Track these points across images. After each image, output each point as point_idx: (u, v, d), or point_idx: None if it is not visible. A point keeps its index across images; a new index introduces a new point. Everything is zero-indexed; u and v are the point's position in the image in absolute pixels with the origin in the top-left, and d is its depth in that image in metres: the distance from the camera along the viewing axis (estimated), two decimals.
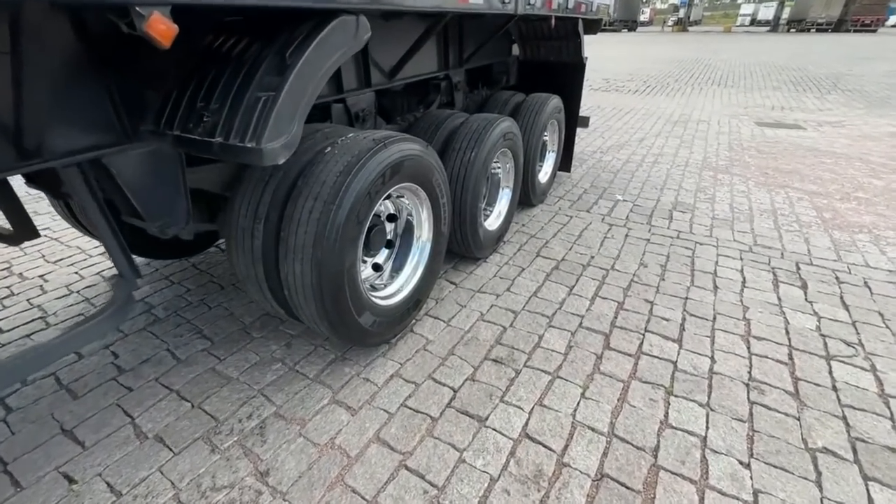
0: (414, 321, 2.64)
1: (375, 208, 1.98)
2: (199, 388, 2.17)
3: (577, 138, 6.73)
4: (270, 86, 1.43)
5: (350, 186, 1.76)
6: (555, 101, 4.08)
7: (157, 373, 2.28)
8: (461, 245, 3.06)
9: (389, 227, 2.43)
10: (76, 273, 3.22)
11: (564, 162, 4.97)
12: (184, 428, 1.96)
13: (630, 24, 48.05)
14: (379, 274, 2.46)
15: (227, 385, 2.19)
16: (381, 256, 2.50)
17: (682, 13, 51.48)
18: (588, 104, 9.61)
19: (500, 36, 3.68)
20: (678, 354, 2.38)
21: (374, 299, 2.20)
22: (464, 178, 2.77)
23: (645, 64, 17.57)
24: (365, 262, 2.36)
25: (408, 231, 2.53)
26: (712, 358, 2.35)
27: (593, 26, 5.17)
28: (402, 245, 2.55)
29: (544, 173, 4.46)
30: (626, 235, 3.78)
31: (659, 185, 4.94)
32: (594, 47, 25.18)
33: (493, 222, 3.40)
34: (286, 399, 2.10)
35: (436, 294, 2.93)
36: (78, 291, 2.98)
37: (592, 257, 3.42)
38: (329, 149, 1.86)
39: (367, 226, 1.99)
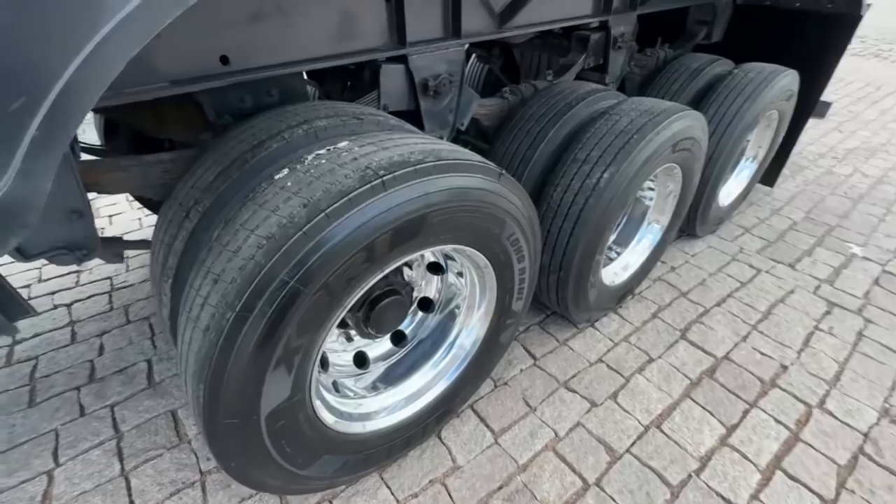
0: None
1: (351, 300, 1.03)
2: None
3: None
4: None
5: (273, 269, 0.84)
6: (785, 81, 2.44)
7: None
8: (557, 304, 1.97)
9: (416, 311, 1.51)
10: None
11: (769, 171, 3.24)
12: None
13: None
14: (360, 375, 1.51)
15: None
16: (379, 349, 1.57)
17: None
18: None
19: None
20: None
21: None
22: (580, 212, 1.62)
23: None
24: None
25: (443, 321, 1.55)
26: None
27: None
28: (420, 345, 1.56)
29: (729, 192, 2.89)
30: (860, 334, 2.19)
31: None
32: None
33: (617, 273, 2.17)
34: None
35: (496, 370, 1.95)
36: None
37: (785, 368, 2.00)
38: (280, 176, 0.93)
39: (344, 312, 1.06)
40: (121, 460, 1.61)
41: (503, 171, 1.15)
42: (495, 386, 1.89)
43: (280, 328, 0.84)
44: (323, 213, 0.81)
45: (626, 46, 2.43)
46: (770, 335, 2.17)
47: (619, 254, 2.23)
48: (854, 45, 8.80)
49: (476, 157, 1.09)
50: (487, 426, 1.72)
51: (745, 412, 1.79)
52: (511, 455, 1.62)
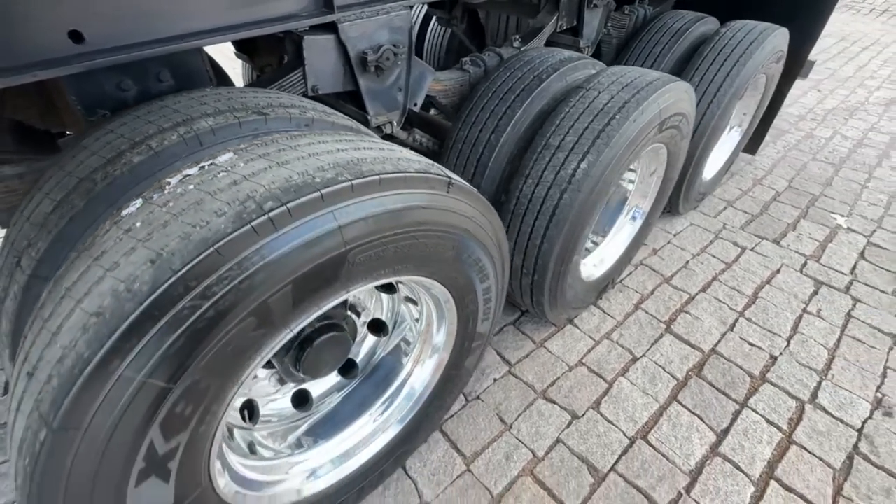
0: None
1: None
2: None
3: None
4: None
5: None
6: (776, 41, 2.21)
7: None
8: (532, 307, 1.77)
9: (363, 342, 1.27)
10: None
11: (752, 138, 3.07)
12: None
13: None
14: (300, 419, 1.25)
15: None
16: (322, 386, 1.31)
17: None
18: None
19: None
20: None
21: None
22: (554, 209, 1.38)
23: None
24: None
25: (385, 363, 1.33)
26: None
27: None
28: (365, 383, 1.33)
29: (713, 165, 2.70)
30: (849, 315, 2.08)
31: None
32: None
33: (596, 266, 1.97)
34: None
35: (469, 383, 1.75)
36: None
37: (774, 359, 1.88)
38: (128, 211, 0.66)
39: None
40: None
41: (453, 179, 0.89)
42: (467, 401, 1.70)
43: (126, 437, 0.58)
44: (175, 276, 0.55)
45: (602, 4, 2.14)
46: (758, 322, 2.03)
47: (596, 244, 2.02)
48: None
49: (416, 164, 0.82)
50: (458, 451, 1.54)
51: (736, 414, 1.66)
52: (484, 484, 1.45)
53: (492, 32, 2.98)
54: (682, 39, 2.24)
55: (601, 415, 1.65)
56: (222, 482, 0.88)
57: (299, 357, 1.00)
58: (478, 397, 1.71)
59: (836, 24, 6.88)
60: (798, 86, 4.66)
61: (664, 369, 1.82)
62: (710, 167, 2.66)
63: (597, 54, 2.55)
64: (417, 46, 3.39)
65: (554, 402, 1.69)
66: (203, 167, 0.67)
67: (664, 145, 1.70)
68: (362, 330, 1.28)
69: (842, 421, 1.65)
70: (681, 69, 2.19)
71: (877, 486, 1.46)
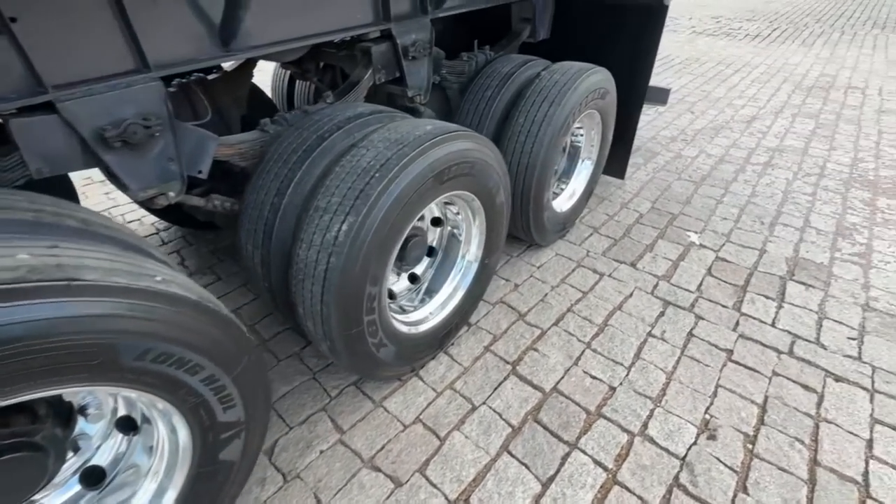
0: None
1: None
2: None
3: (655, 115, 4.78)
4: None
5: None
6: (593, 79, 2.33)
7: None
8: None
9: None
10: None
11: (616, 164, 3.21)
12: None
13: None
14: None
15: None
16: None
17: None
18: (681, 56, 7.15)
19: None
20: None
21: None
22: (325, 272, 1.32)
23: None
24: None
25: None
26: None
27: None
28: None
29: (568, 196, 2.78)
30: (690, 334, 2.13)
31: (769, 213, 3.03)
32: None
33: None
34: None
35: (289, 458, 1.62)
36: None
37: (613, 390, 1.87)
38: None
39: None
40: None
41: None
42: (285, 481, 1.56)
43: None
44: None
45: (425, 55, 2.19)
46: (603, 352, 2.04)
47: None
48: (709, 25, 9.56)
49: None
50: None
51: (565, 457, 1.62)
52: None
53: (327, 86, 3.01)
54: (509, 83, 2.33)
55: (426, 478, 1.56)
56: None
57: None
58: (298, 475, 1.58)
59: (715, 49, 7.59)
60: (674, 109, 5.04)
61: (501, 416, 1.77)
62: (564, 199, 2.74)
63: (444, 98, 2.62)
64: (289, 99, 3.39)
65: (379, 470, 1.59)
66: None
67: (468, 191, 1.70)
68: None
69: (667, 451, 1.64)
70: (509, 112, 2.27)
71: None
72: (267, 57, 1.94)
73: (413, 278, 2.02)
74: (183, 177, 1.50)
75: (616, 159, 3.17)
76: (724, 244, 2.75)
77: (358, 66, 2.06)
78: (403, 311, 1.89)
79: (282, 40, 1.59)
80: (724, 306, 2.29)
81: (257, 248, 1.54)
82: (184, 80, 2.21)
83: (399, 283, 2.00)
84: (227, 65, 2.31)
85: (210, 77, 2.30)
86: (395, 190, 1.34)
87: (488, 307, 2.30)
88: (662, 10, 2.65)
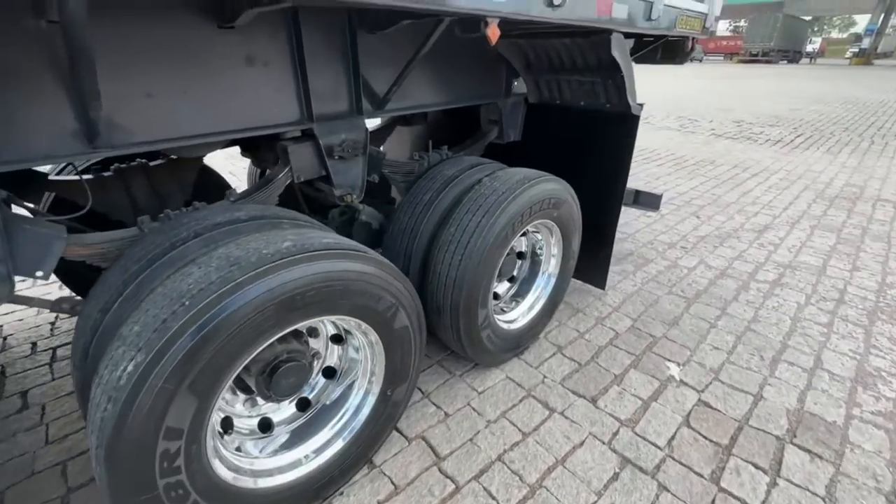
0: None
1: None
2: None
3: (657, 217, 4.51)
4: None
5: None
6: (540, 189, 2.10)
7: None
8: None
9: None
10: None
11: (595, 273, 2.88)
12: None
13: (792, 54, 40.28)
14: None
15: None
16: None
17: (865, 43, 41.42)
18: (696, 158, 7.02)
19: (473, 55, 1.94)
20: None
21: None
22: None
23: (802, 104, 13.53)
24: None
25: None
26: None
27: (673, 50, 3.04)
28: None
29: (526, 310, 2.45)
30: None
31: (772, 346, 2.55)
32: (738, 81, 20.77)
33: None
34: None
35: None
36: None
37: None
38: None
39: None
40: None
41: None
42: None
43: None
44: None
45: (355, 155, 2.07)
46: None
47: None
48: (730, 129, 9.55)
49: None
50: None
51: None
52: None
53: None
54: (451, 187, 2.15)
55: None
56: None
57: None
58: None
59: (733, 153, 7.43)
60: (679, 212, 4.76)
61: None
62: (520, 313, 2.41)
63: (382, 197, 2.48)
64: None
65: None
66: None
67: (351, 317, 1.43)
68: None
69: None
70: (446, 218, 2.06)
71: None
72: (167, 152, 1.87)
73: (304, 403, 1.69)
74: (11, 280, 1.32)
75: (595, 268, 2.85)
76: (710, 383, 2.28)
77: (277, 163, 1.95)
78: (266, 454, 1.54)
79: (165, 139, 1.48)
80: (698, 474, 1.79)
81: (76, 369, 1.29)
82: (122, 166, 2.18)
83: (280, 413, 1.68)
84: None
85: (153, 164, 2.26)
86: (231, 306, 1.09)
87: (402, 444, 1.90)
88: (634, 119, 2.49)
